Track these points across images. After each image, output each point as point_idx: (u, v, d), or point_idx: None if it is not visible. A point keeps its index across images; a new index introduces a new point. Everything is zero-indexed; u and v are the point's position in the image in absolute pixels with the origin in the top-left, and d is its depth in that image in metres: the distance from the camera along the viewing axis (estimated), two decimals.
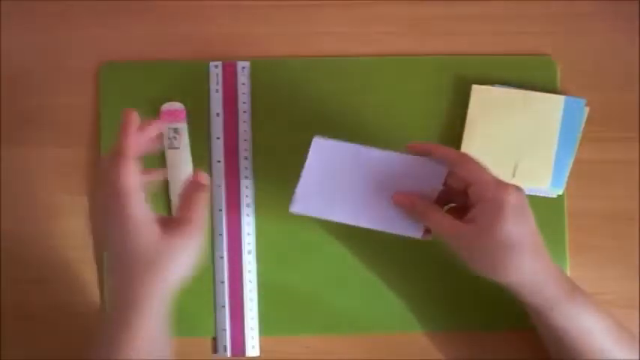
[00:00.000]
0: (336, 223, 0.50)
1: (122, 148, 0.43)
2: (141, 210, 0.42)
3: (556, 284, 0.45)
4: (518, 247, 0.43)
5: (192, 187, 0.46)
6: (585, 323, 0.46)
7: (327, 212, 0.49)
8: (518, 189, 0.44)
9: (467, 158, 0.46)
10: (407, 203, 0.47)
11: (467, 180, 0.45)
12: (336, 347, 0.55)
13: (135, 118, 0.44)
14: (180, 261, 0.44)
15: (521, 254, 0.44)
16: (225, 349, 0.54)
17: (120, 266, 0.43)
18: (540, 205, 0.54)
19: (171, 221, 0.44)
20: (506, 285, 0.45)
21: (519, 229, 0.43)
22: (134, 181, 0.42)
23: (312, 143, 0.49)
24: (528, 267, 0.44)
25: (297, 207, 0.49)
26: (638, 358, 0.46)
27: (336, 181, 0.48)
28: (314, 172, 0.48)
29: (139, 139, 0.45)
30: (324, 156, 0.49)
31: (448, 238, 0.46)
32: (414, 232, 0.49)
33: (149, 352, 0.43)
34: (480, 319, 0.54)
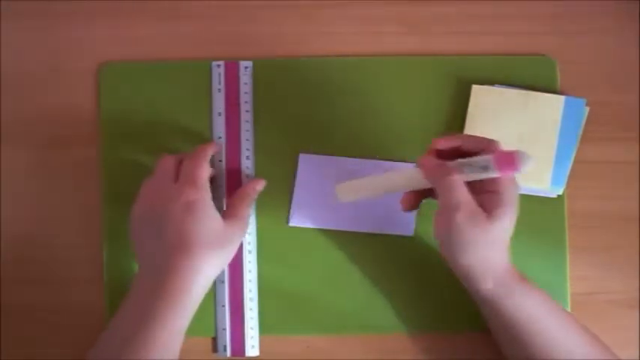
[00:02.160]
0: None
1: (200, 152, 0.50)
2: (212, 203, 0.49)
3: (505, 273, 0.47)
4: (507, 242, 0.47)
5: (247, 190, 0.52)
6: (534, 312, 0.47)
7: (323, 222, 0.54)
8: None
9: (494, 144, 0.46)
10: (433, 164, 0.46)
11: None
12: (336, 347, 0.55)
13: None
14: (231, 248, 0.50)
15: (505, 249, 0.47)
16: (225, 349, 0.54)
17: (180, 246, 0.47)
18: (540, 205, 0.55)
19: (225, 215, 0.50)
20: (460, 268, 0.47)
21: (512, 225, 0.46)
22: (207, 179, 0.49)
23: (300, 159, 0.53)
24: (506, 258, 0.47)
25: (295, 221, 0.54)
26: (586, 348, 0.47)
27: (326, 192, 0.53)
28: (305, 186, 0.53)
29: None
30: (312, 170, 0.54)
31: (463, 213, 0.45)
32: (405, 231, 0.53)
33: (173, 340, 0.47)
34: (481, 320, 0.54)
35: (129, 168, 0.55)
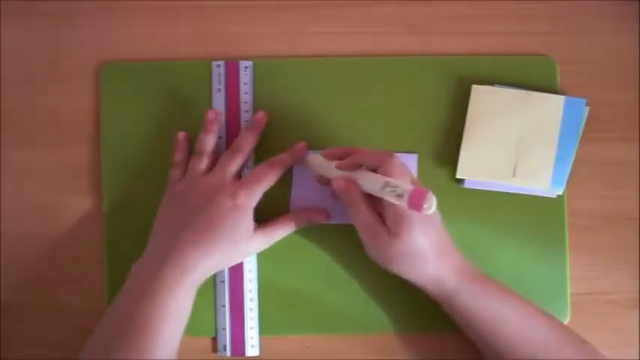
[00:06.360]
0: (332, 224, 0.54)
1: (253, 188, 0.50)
2: (252, 213, 0.50)
3: (456, 274, 0.48)
4: (424, 255, 0.47)
5: (294, 218, 0.53)
6: (491, 306, 0.48)
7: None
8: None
9: (390, 159, 0.47)
10: (343, 187, 0.48)
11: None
12: (336, 347, 0.55)
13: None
14: (238, 259, 0.52)
15: (426, 260, 0.47)
16: (225, 349, 0.54)
17: (199, 235, 0.48)
18: (540, 205, 0.55)
19: (259, 229, 0.51)
20: (409, 281, 0.49)
21: (425, 239, 0.46)
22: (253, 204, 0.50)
23: None
24: (431, 268, 0.47)
25: None
26: (548, 337, 0.47)
27: (323, 187, 0.52)
28: (302, 181, 0.54)
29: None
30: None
31: (364, 233, 0.48)
32: None
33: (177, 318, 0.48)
34: None
35: (129, 168, 0.55)
